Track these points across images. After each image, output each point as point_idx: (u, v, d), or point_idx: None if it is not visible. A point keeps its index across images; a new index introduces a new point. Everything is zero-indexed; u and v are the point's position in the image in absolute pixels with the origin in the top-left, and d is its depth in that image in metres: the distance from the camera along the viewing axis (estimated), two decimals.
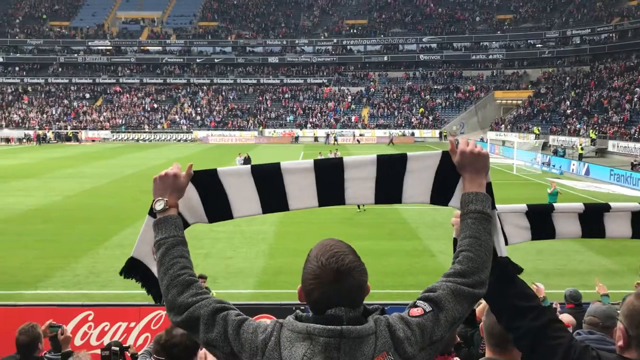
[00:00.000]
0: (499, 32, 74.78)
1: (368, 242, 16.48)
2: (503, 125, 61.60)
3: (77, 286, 13.25)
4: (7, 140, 60.56)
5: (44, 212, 21.90)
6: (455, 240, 2.12)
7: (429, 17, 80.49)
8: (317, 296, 1.76)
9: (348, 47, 78.80)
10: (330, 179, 2.22)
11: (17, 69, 77.39)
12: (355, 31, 79.84)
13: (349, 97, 72.36)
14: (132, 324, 9.35)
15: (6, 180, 30.23)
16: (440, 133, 63.86)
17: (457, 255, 1.98)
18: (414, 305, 1.83)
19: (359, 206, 20.87)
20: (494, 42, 75.19)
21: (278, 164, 2.23)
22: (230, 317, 1.82)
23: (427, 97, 70.85)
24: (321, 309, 1.77)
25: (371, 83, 74.95)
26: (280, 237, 18.19)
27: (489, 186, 2.10)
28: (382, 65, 77.05)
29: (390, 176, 2.23)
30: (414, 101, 70.64)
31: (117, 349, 4.78)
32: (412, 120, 66.97)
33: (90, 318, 9.35)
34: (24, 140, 61.10)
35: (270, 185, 2.22)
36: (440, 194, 2.21)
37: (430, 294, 1.86)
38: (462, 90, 70.93)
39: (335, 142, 58.39)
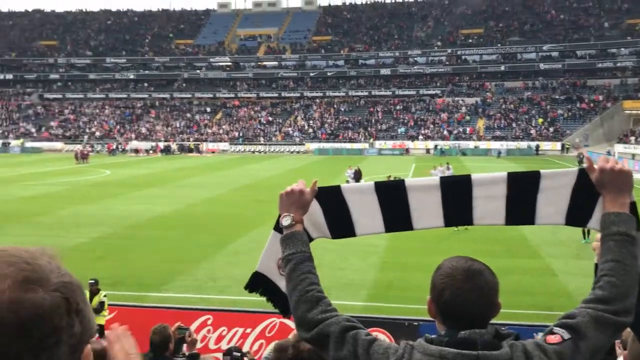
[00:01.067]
0: (629, 38, 69.76)
1: (484, 259, 15.83)
2: (633, 138, 57.21)
3: (196, 290, 13.86)
4: (136, 151, 65.23)
5: (168, 219, 23.23)
6: (596, 266, 1.96)
7: (549, 25, 76.87)
8: (448, 296, 1.73)
9: (463, 57, 77.10)
10: (457, 198, 2.14)
11: (145, 84, 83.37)
12: (471, 41, 78.01)
13: (464, 108, 70.64)
14: (248, 330, 9.60)
15: (135, 188, 32.50)
16: (563, 145, 60.53)
17: (597, 280, 1.84)
18: (551, 332, 1.73)
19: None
20: (622, 49, 70.26)
21: (402, 181, 2.20)
22: (360, 336, 1.81)
23: (548, 107, 67.54)
24: (450, 312, 1.72)
25: (487, 93, 72.73)
26: (392, 251, 17.98)
27: (632, 206, 1.94)
28: (499, 75, 74.55)
29: (522, 195, 2.11)
30: (532, 112, 67.61)
31: (238, 354, 4.90)
32: (531, 131, 64.06)
33: (209, 322, 9.73)
34: (150, 152, 65.54)
35: (394, 203, 2.19)
36: (577, 215, 2.08)
37: (568, 321, 1.74)
38: (586, 100, 66.87)
39: (443, 154, 57.14)
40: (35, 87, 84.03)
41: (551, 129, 63.94)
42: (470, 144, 63.47)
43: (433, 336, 1.73)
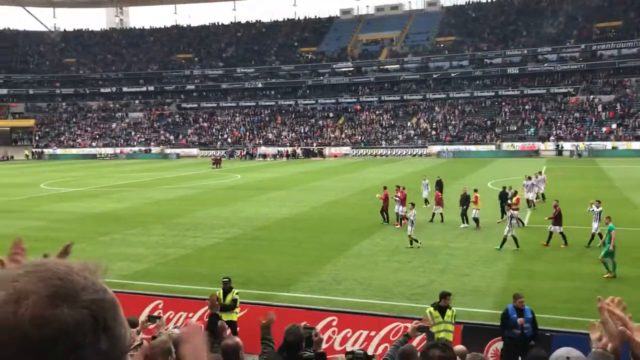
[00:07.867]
0: None
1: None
2: None
3: (322, 291, 14.22)
4: (264, 156, 68.01)
5: (294, 221, 24.02)
6: None
7: None
8: None
9: (598, 52, 72.09)
10: None
11: (272, 92, 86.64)
12: (608, 34, 72.74)
13: (600, 106, 66.01)
14: (372, 333, 9.71)
15: (263, 192, 33.92)
16: None
17: None
18: None
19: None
20: None
21: None
22: None
23: None
24: None
25: (627, 90, 67.39)
26: (519, 258, 17.30)
27: None
28: None
29: None
30: None
31: (361, 355, 5.03)
32: None
33: (334, 323, 9.95)
34: (277, 156, 67.98)
35: None
36: None
37: None
38: None
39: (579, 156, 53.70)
40: (173, 98, 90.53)
41: None
42: (608, 145, 59.19)
43: None
